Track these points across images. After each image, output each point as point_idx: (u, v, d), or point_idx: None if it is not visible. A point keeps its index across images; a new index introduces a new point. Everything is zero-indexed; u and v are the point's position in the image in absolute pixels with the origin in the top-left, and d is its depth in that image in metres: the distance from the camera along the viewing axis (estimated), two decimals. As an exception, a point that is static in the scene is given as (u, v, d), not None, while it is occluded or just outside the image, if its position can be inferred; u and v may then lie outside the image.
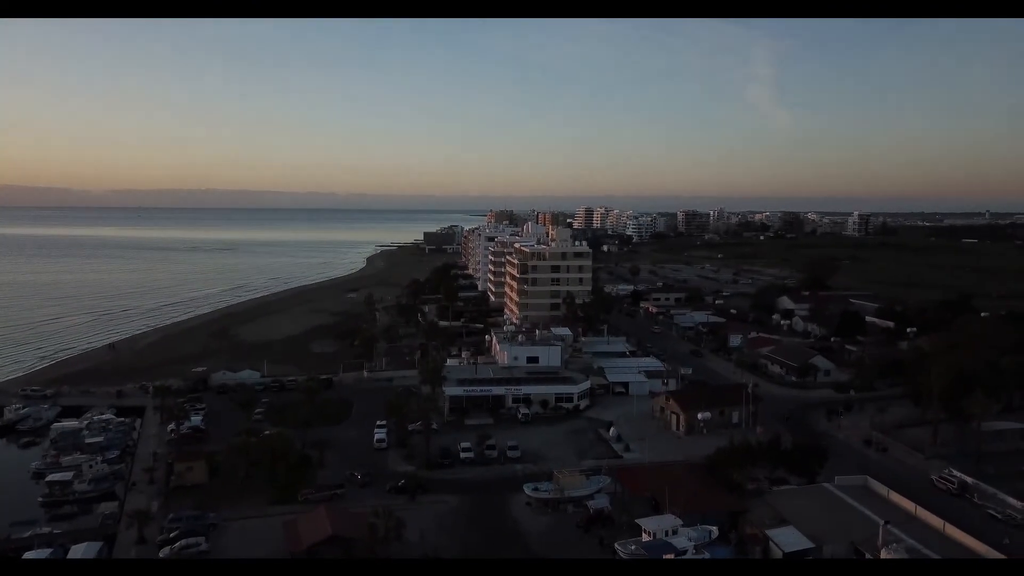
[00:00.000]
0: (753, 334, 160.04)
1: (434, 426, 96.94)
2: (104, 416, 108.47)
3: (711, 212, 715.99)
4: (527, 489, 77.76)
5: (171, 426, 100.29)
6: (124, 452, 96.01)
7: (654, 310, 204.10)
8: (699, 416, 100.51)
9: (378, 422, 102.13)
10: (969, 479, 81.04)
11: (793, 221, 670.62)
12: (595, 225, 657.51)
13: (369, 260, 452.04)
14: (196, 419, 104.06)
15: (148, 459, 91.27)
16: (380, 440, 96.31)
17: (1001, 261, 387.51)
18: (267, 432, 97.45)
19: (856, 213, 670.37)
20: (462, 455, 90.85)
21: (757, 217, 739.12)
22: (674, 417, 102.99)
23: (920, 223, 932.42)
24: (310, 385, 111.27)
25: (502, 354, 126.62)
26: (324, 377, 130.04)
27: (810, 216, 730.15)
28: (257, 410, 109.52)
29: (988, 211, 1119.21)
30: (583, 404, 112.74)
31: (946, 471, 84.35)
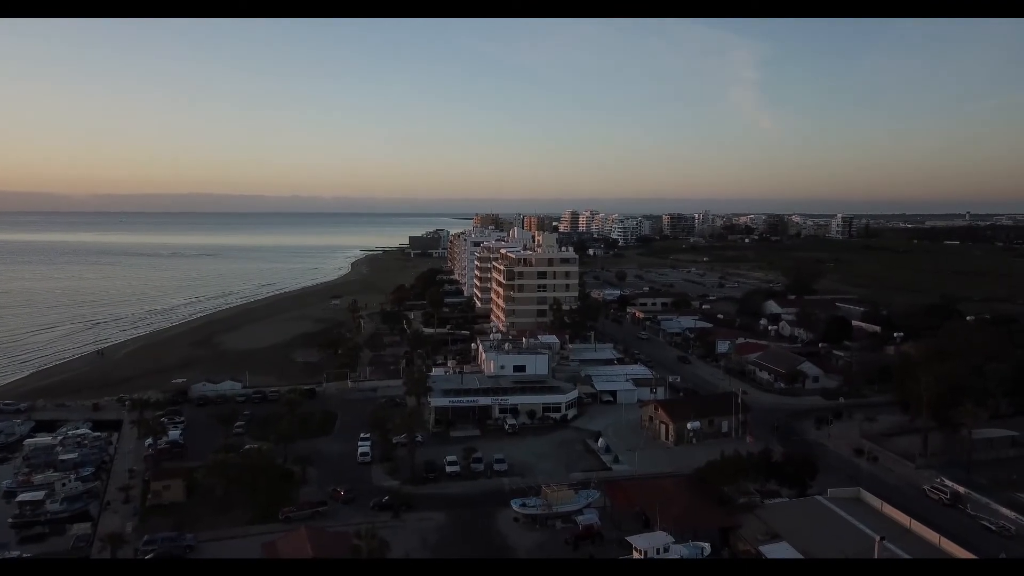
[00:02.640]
0: (740, 339, 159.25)
1: (419, 439, 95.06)
2: (79, 431, 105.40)
3: (696, 215, 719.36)
4: (515, 505, 75.99)
5: (148, 441, 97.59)
6: (100, 469, 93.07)
7: (641, 315, 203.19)
8: (688, 426, 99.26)
9: (362, 435, 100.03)
10: (961, 489, 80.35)
11: (778, 224, 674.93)
12: (581, 228, 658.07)
13: (354, 265, 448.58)
14: (174, 433, 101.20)
15: (124, 476, 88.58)
16: (364, 454, 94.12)
17: (983, 263, 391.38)
18: (248, 447, 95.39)
19: (839, 215, 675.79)
20: (448, 469, 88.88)
21: (742, 220, 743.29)
22: (663, 427, 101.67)
23: (902, 225, 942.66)
24: (292, 397, 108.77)
25: (488, 363, 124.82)
26: (307, 388, 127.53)
27: (794, 218, 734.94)
28: (238, 423, 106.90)
29: (968, 212, 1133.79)
30: (571, 414, 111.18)
31: (937, 480, 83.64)
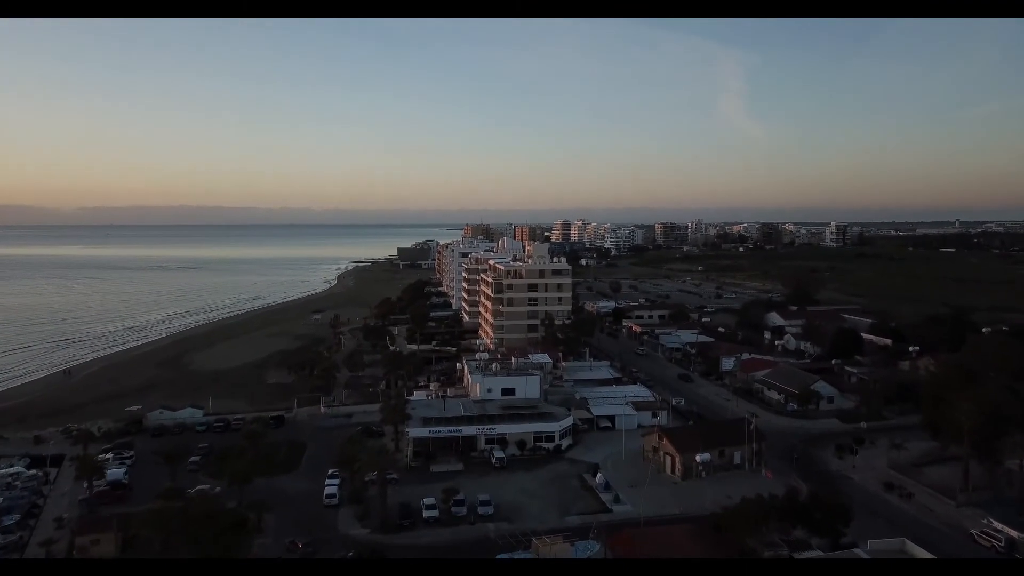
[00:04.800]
0: (745, 355, 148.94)
1: (394, 476, 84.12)
2: (12, 469, 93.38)
3: (689, 224, 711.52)
4: (501, 561, 64.84)
5: (88, 482, 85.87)
6: (28, 516, 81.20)
7: (638, 329, 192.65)
8: (697, 458, 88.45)
9: (331, 471, 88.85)
10: (1015, 533, 69.86)
11: (771, 232, 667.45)
12: (573, 238, 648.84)
13: (340, 277, 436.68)
14: (116, 472, 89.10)
15: (51, 527, 76.85)
16: (330, 495, 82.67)
17: (981, 271, 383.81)
18: (199, 488, 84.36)
19: (833, 223, 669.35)
20: (425, 513, 77.54)
21: (735, 228, 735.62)
22: (669, 459, 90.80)
23: (893, 232, 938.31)
24: (254, 428, 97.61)
25: (474, 386, 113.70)
26: (275, 415, 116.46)
27: (788, 227, 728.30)
28: (192, 458, 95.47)
29: (958, 220, 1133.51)
30: (565, 443, 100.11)
31: (985, 522, 73.22)
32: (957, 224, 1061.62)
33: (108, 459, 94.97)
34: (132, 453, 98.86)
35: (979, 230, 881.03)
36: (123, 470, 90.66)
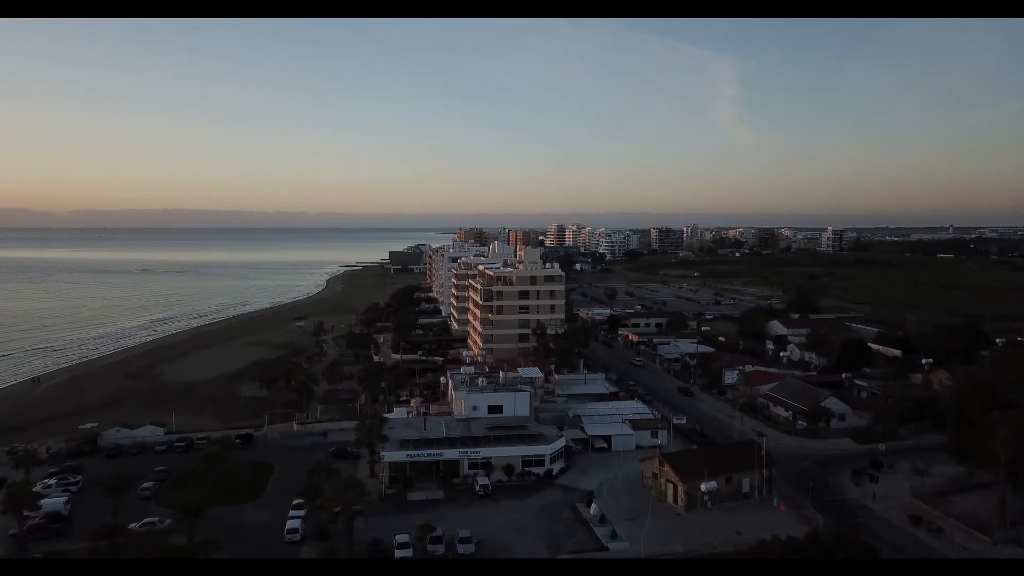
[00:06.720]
0: (749, 367, 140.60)
1: (359, 509, 75.20)
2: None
3: (685, 229, 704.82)
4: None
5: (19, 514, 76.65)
6: (-49, 553, 72.15)
7: (635, 338, 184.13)
8: (703, 487, 79.82)
9: (295, 502, 79.92)
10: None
11: (768, 238, 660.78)
12: (567, 243, 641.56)
13: (329, 282, 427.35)
14: (54, 502, 79.62)
15: (-28, 568, 67.68)
16: (292, 531, 73.61)
17: (981, 277, 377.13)
18: (144, 521, 75.49)
19: (830, 229, 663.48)
20: (397, 553, 68.62)
21: (731, 233, 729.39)
22: (670, 487, 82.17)
23: (888, 238, 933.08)
24: (214, 450, 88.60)
25: (459, 403, 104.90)
26: (242, 433, 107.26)
27: (784, 232, 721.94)
28: (145, 483, 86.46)
29: (951, 225, 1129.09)
30: (556, 468, 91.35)
31: (1028, 564, 64.73)
32: (951, 230, 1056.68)
33: (51, 485, 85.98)
34: (79, 478, 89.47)
35: (973, 236, 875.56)
36: (64, 499, 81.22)
